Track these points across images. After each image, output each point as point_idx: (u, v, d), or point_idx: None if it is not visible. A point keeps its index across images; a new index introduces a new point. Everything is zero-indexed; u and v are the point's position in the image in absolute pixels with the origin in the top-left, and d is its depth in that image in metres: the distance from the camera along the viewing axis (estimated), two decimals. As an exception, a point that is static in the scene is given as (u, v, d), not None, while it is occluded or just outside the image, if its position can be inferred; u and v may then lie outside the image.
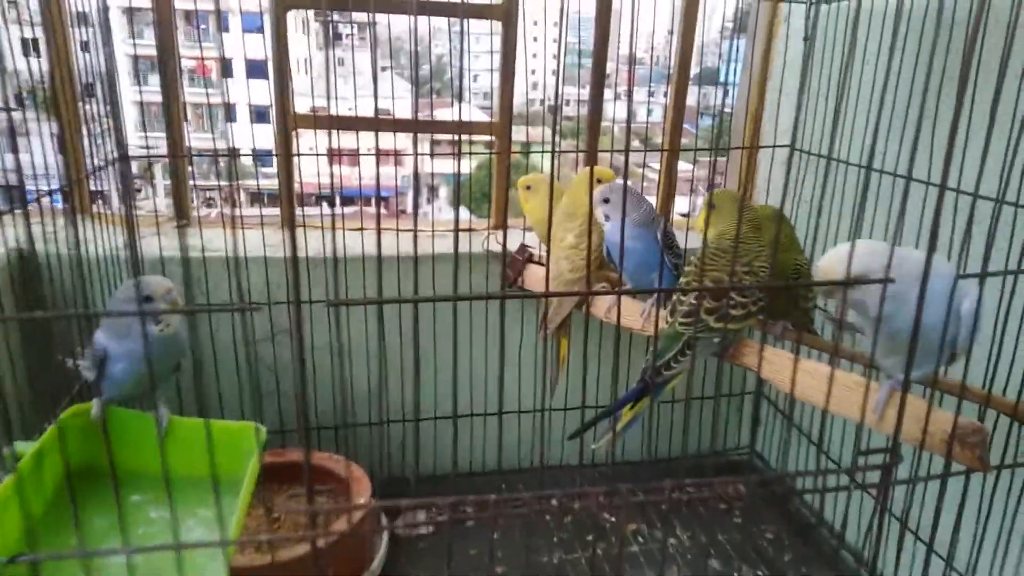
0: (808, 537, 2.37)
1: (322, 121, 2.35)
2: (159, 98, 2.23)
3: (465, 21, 2.35)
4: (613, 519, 2.40)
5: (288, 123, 2.27)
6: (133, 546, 1.30)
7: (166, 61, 2.22)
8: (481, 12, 2.40)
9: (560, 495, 1.04)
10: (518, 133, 2.69)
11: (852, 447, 2.12)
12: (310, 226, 2.36)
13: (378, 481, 2.21)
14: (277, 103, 2.22)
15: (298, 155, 2.38)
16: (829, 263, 1.23)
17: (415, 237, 1.24)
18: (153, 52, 2.23)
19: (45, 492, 1.47)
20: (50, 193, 1.76)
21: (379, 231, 0.90)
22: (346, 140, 2.36)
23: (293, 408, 2.37)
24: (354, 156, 2.16)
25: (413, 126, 2.32)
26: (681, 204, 3.09)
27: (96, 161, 2.00)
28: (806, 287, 1.77)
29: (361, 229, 2.29)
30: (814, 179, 2.26)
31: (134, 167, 2.34)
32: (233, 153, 1.84)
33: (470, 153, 2.58)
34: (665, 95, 2.68)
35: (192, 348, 1.67)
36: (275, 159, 2.35)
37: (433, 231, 2.52)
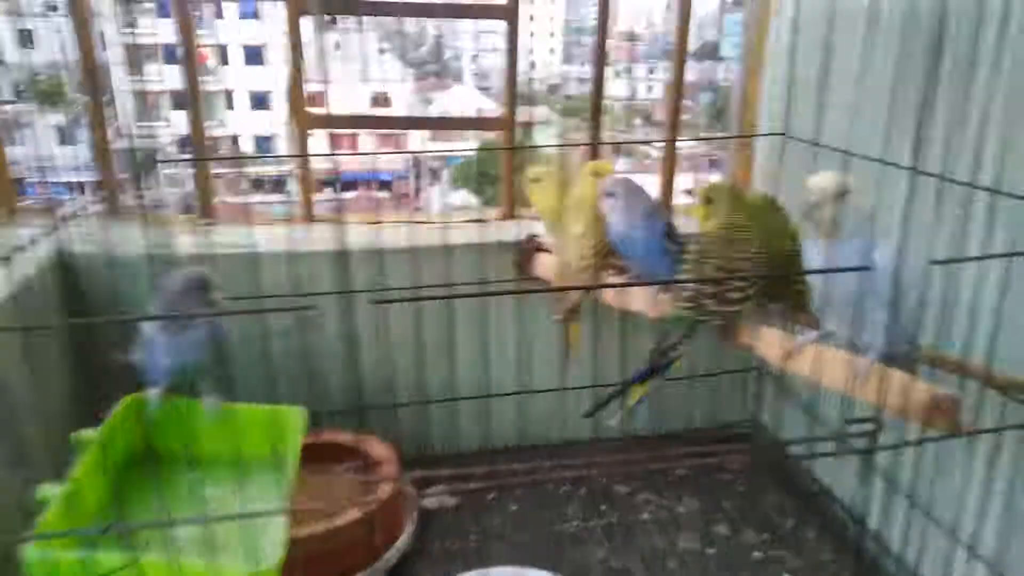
0: (807, 503, 2.52)
1: (337, 121, 2.49)
2: (156, 87, 2.32)
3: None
4: (625, 490, 2.56)
5: (303, 125, 2.41)
6: (196, 524, 1.46)
7: (187, 57, 2.33)
8: (486, 12, 2.52)
9: (583, 464, 1.18)
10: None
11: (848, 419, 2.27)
12: (325, 219, 2.49)
13: (407, 460, 2.36)
14: (293, 106, 2.35)
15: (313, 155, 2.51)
16: (819, 179, 1.43)
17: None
18: (146, 41, 2.31)
19: (109, 476, 1.62)
20: (95, 201, 1.88)
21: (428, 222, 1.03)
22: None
23: (322, 393, 2.51)
24: (369, 147, 2.30)
25: (424, 123, 2.45)
26: (685, 180, 3.16)
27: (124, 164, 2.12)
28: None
29: (378, 222, 2.42)
30: (804, 166, 2.38)
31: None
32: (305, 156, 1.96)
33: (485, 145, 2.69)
34: (652, 72, 2.78)
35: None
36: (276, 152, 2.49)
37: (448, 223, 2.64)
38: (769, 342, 1.64)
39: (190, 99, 2.36)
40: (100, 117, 2.13)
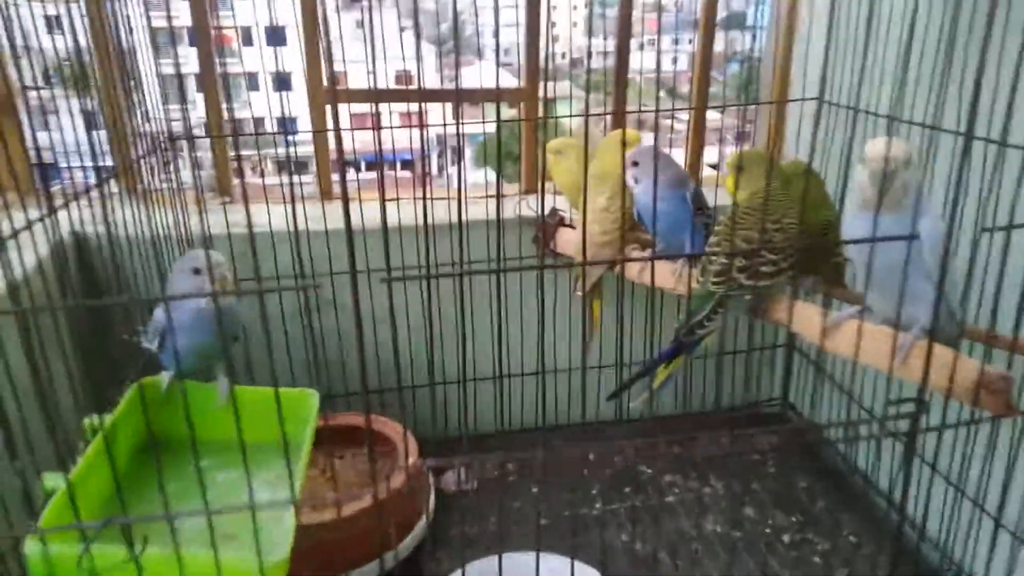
0: (840, 485, 2.43)
1: (362, 95, 2.41)
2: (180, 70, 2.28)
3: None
4: (650, 471, 2.49)
5: (324, 99, 2.33)
6: (209, 508, 1.41)
7: (202, 39, 2.28)
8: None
9: (604, 451, 1.11)
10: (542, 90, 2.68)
11: (883, 396, 2.17)
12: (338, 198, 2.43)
13: (423, 442, 2.31)
14: (314, 79, 2.28)
15: (337, 130, 2.44)
16: (884, 146, 1.30)
17: (458, 205, 1.30)
18: (173, 24, 2.28)
19: (120, 463, 1.58)
20: (107, 179, 1.84)
21: (426, 201, 0.96)
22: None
23: (339, 374, 2.47)
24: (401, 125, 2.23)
25: (443, 96, 2.37)
26: (710, 154, 3.06)
27: (138, 146, 2.07)
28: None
29: (396, 199, 2.36)
30: (844, 132, 2.26)
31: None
32: (285, 132, 1.90)
33: (500, 119, 2.60)
34: (690, 42, 2.66)
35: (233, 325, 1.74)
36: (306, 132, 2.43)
37: (466, 198, 2.55)
38: (805, 318, 1.55)
39: (204, 78, 2.30)
40: (112, 97, 2.08)
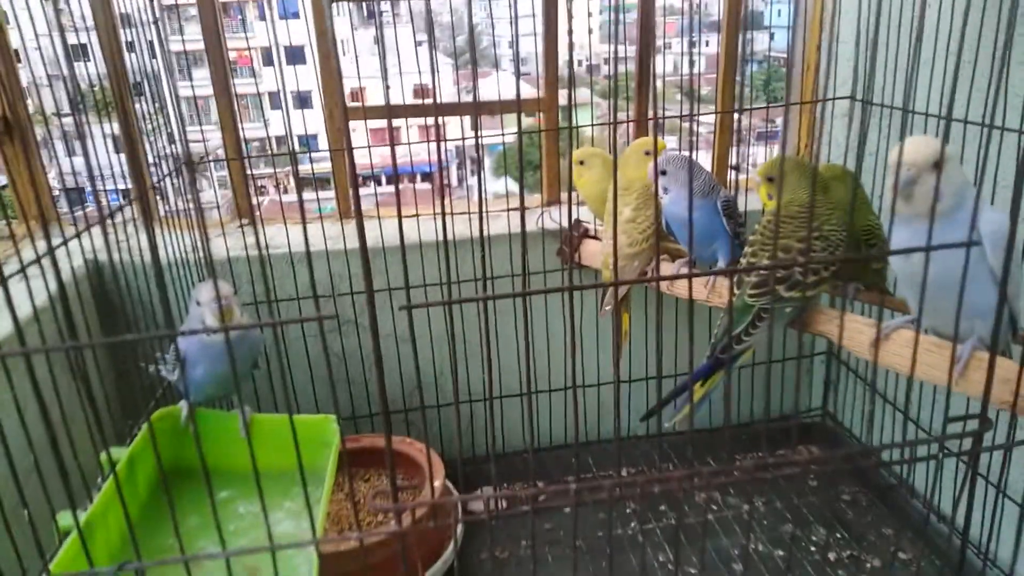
0: (885, 496, 2.33)
1: (378, 112, 2.37)
2: (203, 92, 2.26)
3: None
4: (688, 487, 2.40)
5: (341, 119, 2.29)
6: (229, 545, 1.36)
7: (216, 61, 2.25)
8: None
9: (641, 481, 1.04)
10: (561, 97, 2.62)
11: (932, 408, 2.06)
12: (366, 216, 2.38)
13: (451, 462, 2.25)
14: (330, 99, 2.23)
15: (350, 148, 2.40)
16: (910, 148, 1.21)
17: (480, 222, 1.23)
18: (194, 47, 2.26)
19: (140, 495, 1.54)
20: (120, 208, 1.81)
21: (444, 217, 0.90)
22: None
23: (363, 394, 2.42)
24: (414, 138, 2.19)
25: (461, 110, 2.32)
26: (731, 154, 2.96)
27: (160, 169, 2.05)
28: (879, 246, 1.71)
29: (416, 215, 2.31)
30: (878, 131, 2.17)
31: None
32: (293, 154, 1.86)
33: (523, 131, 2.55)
34: (708, 44, 2.58)
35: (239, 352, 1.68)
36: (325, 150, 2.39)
37: (487, 212, 2.50)
38: (852, 330, 1.46)
39: (220, 101, 2.27)
40: (128, 121, 2.06)
